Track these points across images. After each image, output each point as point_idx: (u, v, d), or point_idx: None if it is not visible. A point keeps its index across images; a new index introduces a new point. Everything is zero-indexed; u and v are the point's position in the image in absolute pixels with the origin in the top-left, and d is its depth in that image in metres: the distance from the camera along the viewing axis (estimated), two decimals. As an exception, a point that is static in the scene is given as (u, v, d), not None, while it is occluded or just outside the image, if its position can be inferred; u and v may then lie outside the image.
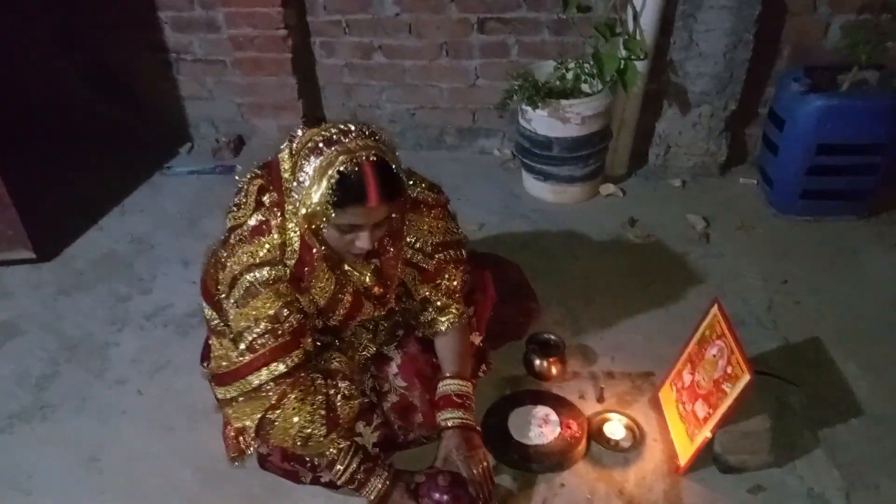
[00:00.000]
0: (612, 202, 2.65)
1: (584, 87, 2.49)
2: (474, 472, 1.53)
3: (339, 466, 1.47)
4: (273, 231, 1.37)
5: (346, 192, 1.26)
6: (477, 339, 1.77)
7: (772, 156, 2.44)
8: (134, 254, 2.54)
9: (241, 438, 1.53)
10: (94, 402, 1.96)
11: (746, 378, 1.49)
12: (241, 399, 1.40)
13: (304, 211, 1.30)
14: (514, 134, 2.85)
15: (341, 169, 1.25)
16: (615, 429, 1.74)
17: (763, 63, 2.55)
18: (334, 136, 1.29)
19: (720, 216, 2.51)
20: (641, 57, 2.33)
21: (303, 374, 1.40)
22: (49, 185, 2.79)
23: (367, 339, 1.66)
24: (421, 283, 1.60)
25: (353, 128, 1.31)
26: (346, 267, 1.48)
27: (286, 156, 1.37)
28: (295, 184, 1.32)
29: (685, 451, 1.65)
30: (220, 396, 1.46)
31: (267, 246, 1.37)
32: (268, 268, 1.36)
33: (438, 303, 1.63)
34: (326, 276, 1.42)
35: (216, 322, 1.54)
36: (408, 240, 1.53)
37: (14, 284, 2.41)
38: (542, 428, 1.73)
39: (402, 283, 1.60)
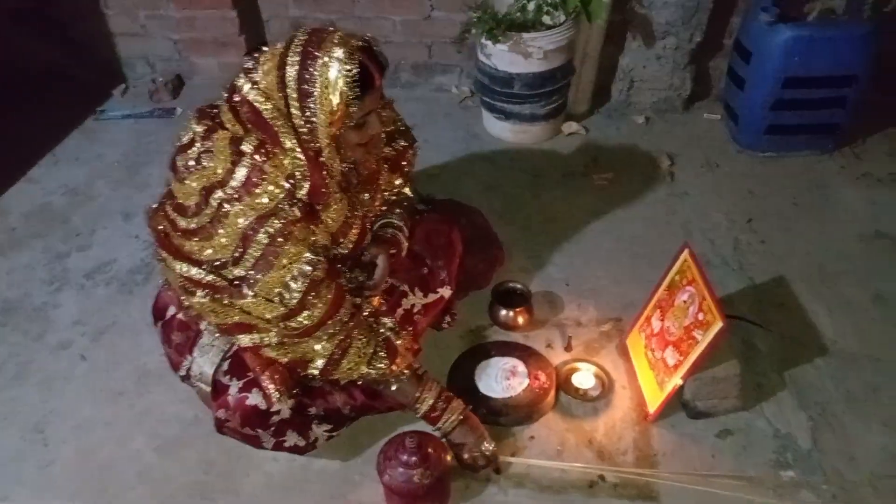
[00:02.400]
0: (574, 141, 2.56)
1: (546, 20, 2.36)
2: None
3: (422, 398, 1.50)
4: (267, 176, 1.30)
5: (358, 81, 1.25)
6: (448, 292, 1.69)
7: (737, 90, 2.37)
8: (70, 206, 2.37)
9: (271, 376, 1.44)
10: (34, 368, 1.84)
11: (719, 325, 1.46)
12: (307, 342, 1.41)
13: (324, 122, 1.27)
14: (472, 70, 2.72)
15: (349, 66, 1.23)
16: (584, 378, 1.71)
17: (729, -9, 2.46)
18: (313, 39, 1.27)
19: (685, 153, 2.45)
20: (606, -14, 2.21)
21: (361, 316, 1.44)
22: (-29, 135, 2.58)
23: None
24: (390, 173, 1.62)
25: (313, 28, 1.30)
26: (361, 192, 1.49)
27: (254, 91, 1.30)
28: (296, 104, 1.27)
29: (654, 399, 1.63)
30: (276, 339, 1.41)
31: (266, 196, 1.30)
32: (274, 217, 1.30)
33: (393, 194, 1.66)
34: (339, 197, 1.41)
35: (212, 278, 1.38)
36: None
37: (-62, 243, 2.24)
38: (510, 380, 1.69)
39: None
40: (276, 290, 1.33)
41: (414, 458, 1.40)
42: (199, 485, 1.56)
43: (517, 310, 1.83)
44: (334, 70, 1.23)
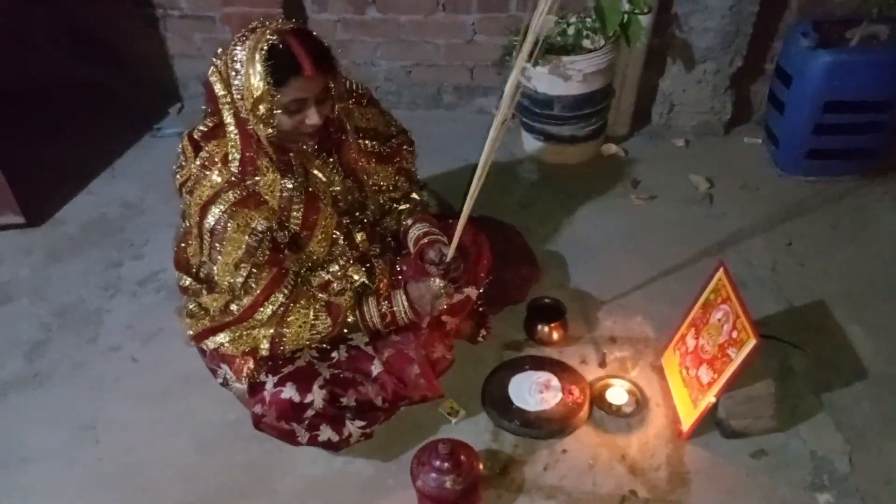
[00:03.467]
0: (613, 162, 2.59)
1: (586, 43, 2.41)
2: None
3: (369, 318, 1.58)
4: (210, 161, 1.44)
5: (281, 66, 1.32)
6: (473, 292, 1.72)
7: (778, 114, 2.37)
8: (125, 218, 2.49)
9: (247, 367, 1.58)
10: (87, 369, 1.93)
11: (753, 343, 1.46)
12: (250, 332, 1.53)
13: (250, 101, 1.34)
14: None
15: (268, 45, 1.31)
16: (617, 394, 1.72)
17: (770, 17, 2.47)
18: (256, 25, 1.36)
19: (724, 176, 2.46)
20: (645, 11, 2.24)
21: (300, 292, 1.53)
22: (37, 150, 2.72)
23: (351, 269, 1.65)
24: (378, 164, 1.66)
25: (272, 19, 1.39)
26: (316, 172, 1.52)
27: (216, 77, 1.39)
28: (235, 81, 1.35)
29: (688, 417, 1.63)
30: (228, 338, 1.55)
31: (213, 178, 1.43)
32: (219, 201, 1.41)
33: (398, 191, 1.72)
34: (270, 167, 1.44)
35: (189, 283, 1.66)
36: (358, 125, 1.61)
37: (3, 250, 2.36)
38: (543, 394, 1.71)
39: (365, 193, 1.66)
40: (226, 279, 1.46)
41: (447, 465, 1.43)
42: (236, 485, 1.61)
43: (552, 325, 1.85)
44: (253, 49, 1.31)
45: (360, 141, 1.63)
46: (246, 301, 1.48)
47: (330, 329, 1.54)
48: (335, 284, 1.61)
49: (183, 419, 1.77)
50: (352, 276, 1.63)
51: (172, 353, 1.92)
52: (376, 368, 1.57)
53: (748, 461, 1.58)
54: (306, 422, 1.51)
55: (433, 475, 1.43)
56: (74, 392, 1.86)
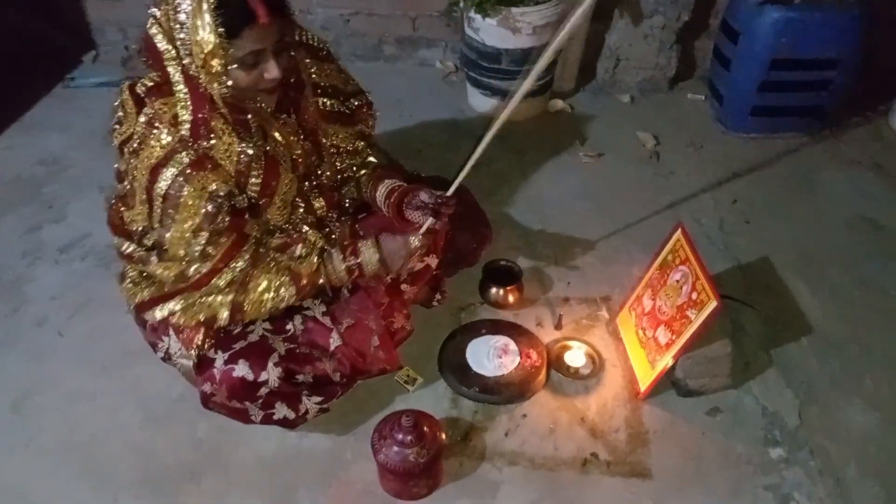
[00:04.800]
0: (561, 119, 2.55)
1: (536, -6, 2.33)
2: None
3: (336, 274, 1.48)
4: (159, 120, 1.30)
5: (233, 14, 1.19)
6: (434, 260, 1.66)
7: (723, 70, 2.38)
8: (41, 177, 2.29)
9: (197, 338, 1.47)
10: (13, 342, 1.77)
11: (713, 304, 1.47)
12: (206, 298, 1.40)
13: (200, 57, 1.20)
14: (456, 44, 2.69)
15: None
16: (575, 356, 1.71)
17: (717, -29, 2.45)
18: None
19: (669, 133, 2.46)
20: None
21: (260, 257, 1.42)
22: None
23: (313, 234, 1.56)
24: (337, 125, 1.57)
25: None
26: (276, 134, 1.41)
27: (154, 25, 1.26)
28: (181, 35, 1.21)
29: (645, 377, 1.63)
30: (180, 306, 1.42)
31: (162, 137, 1.30)
32: (171, 163, 1.29)
33: (357, 156, 1.63)
34: (225, 130, 1.32)
35: (132, 249, 1.50)
36: (315, 81, 1.51)
37: None
38: (501, 358, 1.68)
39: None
40: (181, 247, 1.34)
41: (410, 437, 1.38)
42: (187, 462, 1.53)
43: (508, 288, 1.82)
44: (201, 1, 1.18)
45: (320, 99, 1.52)
46: (204, 267, 1.36)
47: (295, 296, 1.44)
48: (298, 248, 1.50)
49: (125, 393, 1.65)
50: (310, 239, 1.54)
51: (106, 326, 1.79)
52: (334, 342, 1.50)
53: (704, 419, 1.61)
54: (260, 400, 1.43)
55: (395, 448, 1.39)
56: (1, 367, 1.72)
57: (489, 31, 2.30)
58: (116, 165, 1.46)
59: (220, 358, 1.42)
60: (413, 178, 1.96)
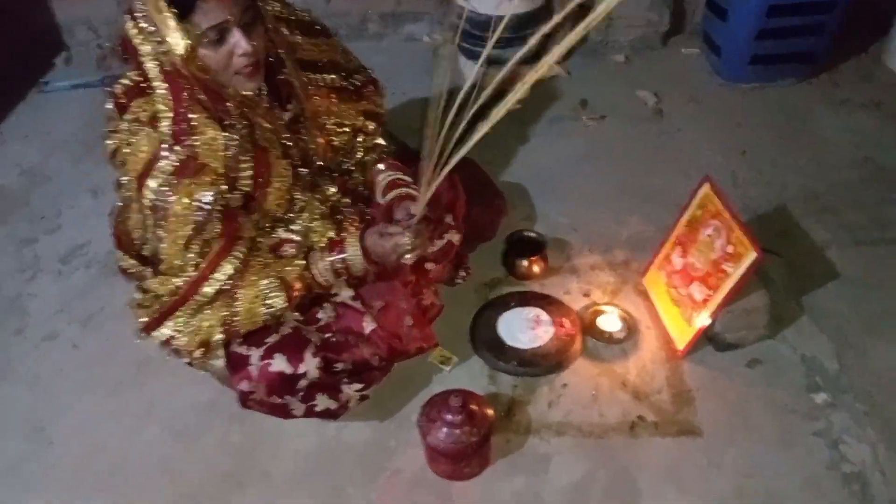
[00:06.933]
0: (558, 84, 2.50)
1: (525, -43, 2.27)
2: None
3: (319, 275, 1.41)
4: (144, 124, 1.25)
5: None
6: (456, 237, 1.61)
7: (720, 21, 2.35)
8: (28, 187, 2.19)
9: (200, 352, 1.40)
10: (19, 365, 1.69)
11: (753, 255, 1.45)
12: (197, 315, 1.35)
13: (167, 44, 1.16)
14: (441, 16, 2.62)
15: None
16: (609, 321, 1.68)
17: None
18: None
19: (669, 90, 2.43)
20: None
21: (251, 262, 1.35)
22: None
23: (318, 224, 1.50)
24: (342, 102, 1.50)
25: None
26: (261, 121, 1.33)
27: (131, 25, 1.21)
28: (143, 24, 1.18)
29: (683, 335, 1.61)
30: (176, 330, 1.36)
31: (141, 145, 1.25)
32: (153, 173, 1.24)
33: (367, 137, 1.58)
34: (207, 124, 1.26)
35: (130, 264, 1.50)
36: (313, 58, 1.44)
37: None
38: (535, 330, 1.65)
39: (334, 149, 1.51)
40: (176, 258, 1.31)
41: (459, 417, 1.35)
42: (226, 473, 1.46)
43: (532, 258, 1.78)
44: None
45: (320, 75, 1.46)
46: (192, 275, 1.32)
47: (285, 305, 1.37)
48: (287, 247, 1.44)
49: (148, 407, 1.58)
50: (313, 233, 1.49)
51: (120, 335, 1.70)
52: (368, 326, 1.45)
53: (745, 371, 1.60)
54: (301, 393, 1.38)
55: (445, 430, 1.35)
56: (10, 393, 1.63)
57: (482, 0, 2.23)
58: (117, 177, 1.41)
59: (255, 354, 1.37)
60: (420, 155, 1.90)
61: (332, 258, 1.41)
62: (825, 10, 2.22)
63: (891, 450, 1.43)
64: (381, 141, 1.62)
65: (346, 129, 1.54)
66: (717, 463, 1.43)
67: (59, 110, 2.49)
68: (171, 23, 1.14)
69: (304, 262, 1.41)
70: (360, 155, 1.60)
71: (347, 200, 1.56)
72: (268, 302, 1.36)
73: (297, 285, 1.39)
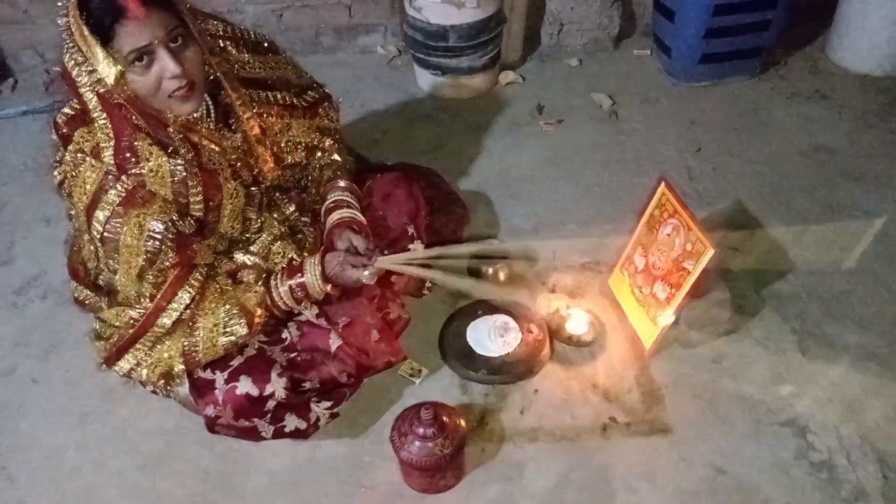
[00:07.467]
0: (514, 90, 2.52)
1: (475, -34, 2.28)
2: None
3: (279, 300, 1.40)
4: (87, 154, 1.24)
5: (100, 14, 1.12)
6: (420, 247, 1.60)
7: (668, 22, 2.39)
8: (-22, 219, 2.13)
9: (162, 383, 1.40)
10: (-22, 400, 1.64)
11: (710, 252, 1.47)
12: (157, 347, 1.35)
13: (100, 70, 1.15)
14: (396, 27, 2.62)
15: None
16: (576, 324, 1.69)
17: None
18: None
19: (623, 91, 2.46)
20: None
21: (208, 289, 1.36)
22: None
23: (278, 245, 1.51)
24: (293, 119, 1.48)
25: None
26: (206, 142, 1.31)
27: (67, 56, 1.21)
28: (73, 52, 1.17)
29: (649, 335, 1.63)
30: (135, 363, 1.37)
31: (85, 175, 1.24)
32: (100, 205, 1.24)
33: (323, 154, 1.57)
34: (152, 152, 1.24)
35: (85, 295, 1.51)
36: (263, 76, 1.42)
37: None
38: (504, 337, 1.65)
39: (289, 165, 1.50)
40: (131, 289, 1.30)
41: (432, 430, 1.34)
42: (198, 498, 1.44)
43: (497, 266, 1.79)
44: (70, 5, 1.13)
45: (272, 93, 1.44)
46: (148, 307, 1.32)
47: (246, 332, 1.36)
48: (243, 274, 1.43)
49: (114, 437, 1.54)
50: (274, 255, 1.48)
51: (80, 366, 1.67)
52: (335, 343, 1.44)
53: (712, 367, 1.62)
54: (269, 414, 1.36)
55: (418, 444, 1.34)
56: (-32, 431, 1.58)
57: (433, 9, 2.24)
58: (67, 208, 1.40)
59: (219, 378, 1.35)
60: (379, 167, 1.91)
61: (290, 282, 1.40)
62: (770, 6, 2.27)
63: (853, 434, 1.46)
64: (337, 157, 1.61)
65: (301, 147, 1.52)
66: (689, 458, 1.45)
67: (7, 138, 2.42)
68: (99, 51, 1.13)
69: (262, 288, 1.40)
70: (316, 172, 1.59)
71: (306, 219, 1.55)
72: (227, 330, 1.35)
73: (259, 311, 1.38)
